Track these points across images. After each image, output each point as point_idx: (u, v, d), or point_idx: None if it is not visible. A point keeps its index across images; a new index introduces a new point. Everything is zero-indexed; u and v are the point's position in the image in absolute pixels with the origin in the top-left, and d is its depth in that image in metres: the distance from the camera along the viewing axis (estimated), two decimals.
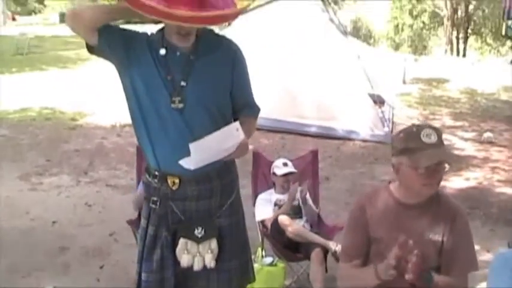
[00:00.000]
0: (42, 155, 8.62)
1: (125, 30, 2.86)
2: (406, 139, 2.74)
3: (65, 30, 33.54)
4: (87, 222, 6.13)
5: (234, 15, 2.82)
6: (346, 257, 2.91)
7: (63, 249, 5.41)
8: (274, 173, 5.08)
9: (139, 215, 4.28)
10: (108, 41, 2.78)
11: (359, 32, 31.28)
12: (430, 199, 2.76)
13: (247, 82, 3.03)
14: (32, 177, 7.60)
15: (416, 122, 11.97)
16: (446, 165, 2.75)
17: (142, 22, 2.81)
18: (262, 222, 4.90)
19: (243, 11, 2.75)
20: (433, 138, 2.66)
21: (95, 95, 12.88)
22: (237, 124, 2.69)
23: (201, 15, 2.55)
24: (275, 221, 4.70)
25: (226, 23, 10.17)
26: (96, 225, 6.03)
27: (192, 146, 2.62)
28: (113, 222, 5.94)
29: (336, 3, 31.14)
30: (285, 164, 5.08)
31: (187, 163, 2.68)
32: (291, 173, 5.04)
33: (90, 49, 2.84)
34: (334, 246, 4.42)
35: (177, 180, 2.87)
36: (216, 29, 2.95)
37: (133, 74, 2.82)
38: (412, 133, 2.73)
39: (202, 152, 2.66)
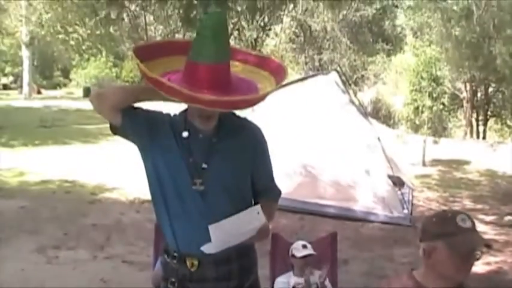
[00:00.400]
0: (60, 228, 8.62)
1: (148, 111, 2.91)
2: (441, 223, 2.68)
3: (88, 105, 34.20)
4: None
5: (257, 101, 2.84)
6: None
7: None
8: (293, 255, 5.02)
9: None
10: (132, 122, 2.82)
11: (379, 113, 31.45)
12: (458, 287, 2.68)
13: (268, 165, 3.04)
14: (48, 251, 7.57)
15: (436, 205, 11.91)
16: (479, 252, 2.68)
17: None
18: None
19: (263, 97, 2.78)
20: (468, 224, 2.62)
21: (115, 170, 12.97)
22: (258, 207, 2.68)
23: (223, 100, 2.58)
24: None
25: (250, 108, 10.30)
26: None
27: (212, 228, 2.62)
28: None
29: (356, 84, 31.49)
30: (304, 246, 5.03)
31: (208, 248, 2.67)
32: (310, 255, 4.98)
33: (114, 129, 2.88)
34: None
35: (196, 262, 2.85)
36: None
37: (156, 156, 2.85)
38: (448, 218, 2.68)
39: (222, 235, 2.64)
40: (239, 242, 2.74)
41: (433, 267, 2.69)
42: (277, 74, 2.83)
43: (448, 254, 2.61)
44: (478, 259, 2.67)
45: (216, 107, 2.65)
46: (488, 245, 2.63)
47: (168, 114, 2.99)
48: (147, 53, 2.76)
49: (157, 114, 2.94)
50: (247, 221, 2.67)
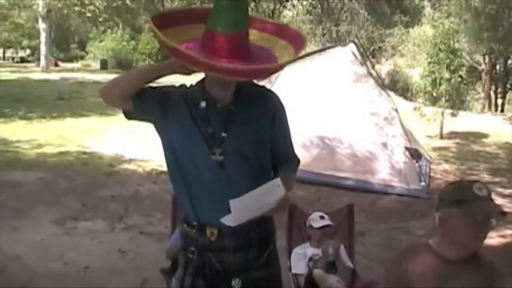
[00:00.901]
0: (78, 199, 8.67)
1: (158, 88, 2.90)
2: (457, 191, 2.70)
3: (105, 77, 34.24)
4: (120, 269, 6.11)
5: (276, 70, 2.82)
6: None
7: None
8: (310, 226, 5.03)
9: (172, 263, 4.25)
10: (143, 104, 2.82)
11: (396, 86, 31.30)
12: (472, 255, 2.70)
13: (287, 135, 3.02)
14: (66, 222, 7.62)
15: (454, 177, 11.86)
16: (494, 220, 2.67)
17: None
18: (296, 276, 4.84)
19: (282, 66, 2.76)
20: (485, 192, 2.63)
21: (133, 142, 13.01)
22: (278, 180, 2.65)
23: (241, 68, 2.56)
24: (309, 276, 4.64)
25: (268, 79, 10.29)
26: (129, 273, 6.00)
27: (232, 203, 2.60)
28: (145, 270, 5.91)
29: (373, 56, 31.30)
30: (322, 217, 5.03)
31: (228, 220, 2.66)
32: (328, 226, 4.99)
33: (127, 115, 2.89)
34: None
35: (216, 231, 2.86)
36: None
37: (172, 131, 2.86)
38: (464, 185, 2.70)
39: (242, 209, 2.62)
40: (258, 215, 2.73)
41: (448, 235, 2.71)
42: (296, 43, 2.80)
43: (463, 221, 2.62)
44: (493, 228, 2.68)
45: (234, 76, 2.62)
46: (504, 213, 2.61)
47: (182, 86, 2.98)
48: (164, 21, 2.73)
49: (169, 89, 2.93)
50: (268, 195, 2.64)
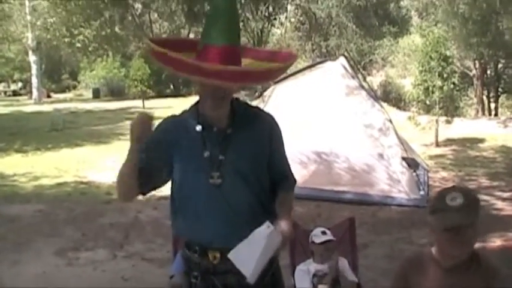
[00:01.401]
0: (78, 229, 8.64)
1: (153, 145, 2.88)
2: (434, 200, 2.78)
3: (98, 106, 34.15)
4: None
5: (263, 76, 2.84)
6: None
7: None
8: (313, 242, 5.01)
9: None
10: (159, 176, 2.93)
11: (389, 96, 31.37)
12: (468, 261, 2.72)
13: (283, 154, 3.05)
14: (68, 253, 7.60)
15: (452, 184, 11.85)
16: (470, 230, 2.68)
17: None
18: None
19: (272, 73, 2.79)
20: (458, 201, 2.65)
21: None
22: (266, 223, 2.69)
23: (231, 70, 2.58)
24: None
25: (256, 92, 10.32)
26: None
27: (231, 256, 2.68)
28: None
29: (364, 69, 31.40)
30: (324, 233, 5.01)
31: (248, 278, 2.70)
32: (329, 241, 4.96)
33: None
34: None
35: (218, 255, 2.86)
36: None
37: (175, 161, 2.90)
38: (441, 194, 2.75)
39: (244, 259, 2.67)
40: (268, 259, 2.73)
41: (435, 243, 2.81)
42: (288, 60, 2.83)
43: (437, 230, 2.71)
44: (469, 237, 2.70)
45: (222, 79, 2.63)
46: (455, 228, 2.63)
47: (169, 121, 3.01)
48: (160, 44, 2.76)
49: (160, 133, 2.92)
50: (263, 238, 2.67)
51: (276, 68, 2.81)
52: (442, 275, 2.74)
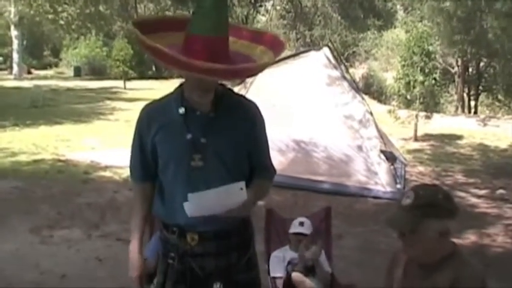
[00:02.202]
0: (54, 207, 8.60)
1: (140, 147, 3.00)
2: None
3: (79, 84, 33.87)
4: (97, 277, 6.07)
5: (254, 71, 2.85)
6: None
7: None
8: (289, 230, 5.06)
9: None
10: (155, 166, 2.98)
11: (370, 89, 31.47)
12: (443, 259, 2.64)
13: (265, 144, 3.05)
14: (43, 230, 7.56)
15: (429, 179, 11.96)
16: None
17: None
18: (274, 279, 4.85)
19: (261, 67, 2.79)
20: (408, 201, 2.62)
21: (108, 149, 12.95)
22: (242, 184, 2.70)
23: (219, 68, 2.58)
24: (288, 279, 4.65)
25: (240, 80, 10.31)
26: (106, 280, 5.96)
27: (191, 197, 2.67)
28: (123, 277, 5.82)
29: (347, 60, 31.45)
30: (301, 224, 5.05)
31: (186, 210, 2.70)
32: (301, 234, 4.99)
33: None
34: None
35: (196, 237, 2.88)
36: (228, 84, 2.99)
37: (159, 144, 2.91)
38: (404, 192, 2.74)
39: (200, 204, 2.69)
40: (216, 213, 2.74)
41: None
42: (275, 47, 2.83)
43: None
44: (401, 238, 2.69)
45: (214, 76, 2.66)
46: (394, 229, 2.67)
47: (152, 103, 3.04)
48: (146, 26, 2.75)
49: (140, 126, 2.99)
50: (229, 196, 2.71)
51: (265, 63, 2.80)
52: (418, 271, 2.70)
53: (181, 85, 2.91)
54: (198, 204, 2.69)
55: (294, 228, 5.02)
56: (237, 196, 2.70)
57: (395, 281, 2.80)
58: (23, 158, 12.25)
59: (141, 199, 3.08)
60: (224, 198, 2.70)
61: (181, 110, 2.85)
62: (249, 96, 3.14)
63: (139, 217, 3.06)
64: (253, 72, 2.87)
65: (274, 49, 2.82)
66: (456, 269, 2.60)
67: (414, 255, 2.69)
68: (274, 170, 3.11)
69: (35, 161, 11.95)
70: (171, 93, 2.97)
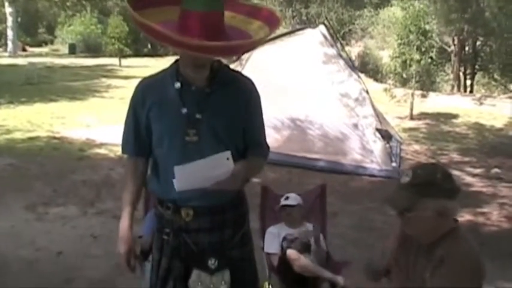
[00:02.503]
0: (49, 185, 8.60)
1: (135, 125, 2.98)
2: None
3: (74, 62, 33.73)
4: (93, 254, 6.08)
5: (248, 47, 2.83)
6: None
7: (68, 281, 5.36)
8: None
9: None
10: (148, 142, 2.98)
11: (366, 67, 31.38)
12: (440, 237, 2.62)
13: (260, 121, 3.04)
14: (38, 208, 7.56)
15: (424, 158, 11.98)
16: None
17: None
18: (269, 256, 4.86)
19: (256, 43, 2.77)
20: (406, 180, 2.62)
21: (103, 126, 12.93)
22: (228, 153, 2.68)
23: (212, 45, 2.55)
24: (283, 255, 4.66)
25: (234, 57, 10.27)
26: (102, 257, 5.96)
27: (177, 169, 2.66)
28: (118, 254, 5.88)
29: (343, 38, 31.33)
30: (287, 198, 5.06)
31: (175, 185, 2.71)
32: (288, 206, 5.00)
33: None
34: (342, 281, 4.37)
35: (191, 212, 2.88)
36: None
37: (152, 119, 2.89)
38: (405, 171, 2.71)
39: (187, 177, 2.68)
40: (205, 186, 2.72)
41: None
42: (271, 22, 2.79)
43: None
44: (400, 217, 2.68)
45: (205, 53, 2.62)
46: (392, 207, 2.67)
47: (147, 78, 3.02)
48: (140, 2, 2.71)
49: (135, 101, 2.97)
50: (215, 167, 2.69)
51: (260, 39, 2.77)
52: (418, 247, 2.69)
53: (176, 61, 2.89)
54: (184, 176, 2.68)
55: (281, 203, 5.04)
56: (223, 166, 2.68)
57: (391, 252, 2.80)
58: (17, 135, 12.24)
59: (133, 174, 3.06)
60: (210, 168, 2.68)
61: (177, 85, 2.83)
62: (244, 73, 3.11)
63: (131, 192, 3.04)
64: (248, 48, 2.85)
65: (270, 25, 2.78)
66: (451, 244, 2.59)
67: (413, 233, 2.68)
68: (268, 148, 3.10)
69: (30, 139, 11.93)
70: (167, 69, 2.95)
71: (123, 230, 2.97)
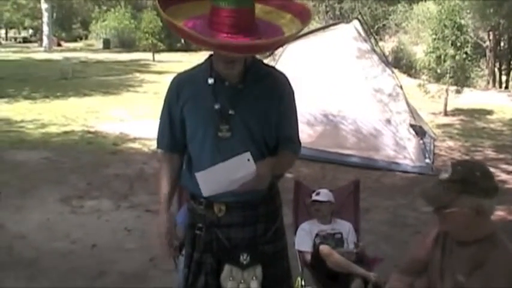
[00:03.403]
0: (84, 178, 8.69)
1: (170, 120, 3.00)
2: None
3: (108, 56, 33.97)
4: (127, 247, 6.13)
5: (277, 44, 2.80)
6: (402, 269, 2.81)
7: (102, 274, 5.40)
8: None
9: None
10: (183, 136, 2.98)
11: (400, 63, 31.17)
12: (478, 240, 2.57)
13: (293, 116, 3.01)
14: (72, 201, 7.64)
15: (458, 154, 11.85)
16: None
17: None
18: (301, 252, 4.85)
19: (284, 41, 2.75)
20: (445, 176, 2.58)
21: (137, 120, 13.02)
22: (248, 154, 2.67)
23: (236, 44, 2.55)
24: (316, 251, 4.64)
25: (270, 52, 10.26)
26: (136, 250, 6.02)
27: (199, 175, 2.68)
28: (152, 248, 5.92)
29: (377, 33, 31.14)
30: (317, 193, 5.03)
31: (202, 190, 2.73)
32: (318, 202, 4.97)
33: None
34: (375, 277, 4.34)
35: (223, 207, 2.88)
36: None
37: (185, 114, 2.90)
38: (445, 166, 2.67)
39: (211, 181, 2.68)
40: (232, 188, 2.72)
41: None
42: (302, 15, 2.76)
43: None
44: (435, 213, 2.64)
45: (231, 51, 2.61)
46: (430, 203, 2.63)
47: (182, 73, 3.03)
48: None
49: (170, 96, 2.98)
50: (236, 168, 2.67)
51: (290, 36, 2.74)
52: (455, 247, 2.65)
53: (210, 56, 2.89)
54: (207, 181, 2.69)
55: (312, 198, 5.02)
56: (245, 168, 2.66)
57: (430, 253, 2.75)
58: (53, 129, 12.40)
59: (168, 168, 3.06)
60: (232, 171, 2.67)
61: (210, 80, 2.83)
62: (278, 68, 3.10)
63: (167, 187, 3.05)
64: (277, 45, 2.82)
65: (301, 18, 2.75)
66: (490, 248, 2.53)
67: (447, 230, 2.65)
68: (300, 145, 3.07)
69: (65, 132, 12.08)
70: (201, 64, 2.95)
71: (162, 222, 2.99)
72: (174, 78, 2.99)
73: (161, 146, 3.08)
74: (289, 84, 2.97)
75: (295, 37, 2.76)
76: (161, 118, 3.03)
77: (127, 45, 42.94)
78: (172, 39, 38.88)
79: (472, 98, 19.40)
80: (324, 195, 5.02)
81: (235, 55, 2.71)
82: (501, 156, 12.16)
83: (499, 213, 7.86)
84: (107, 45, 43.81)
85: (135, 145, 11.19)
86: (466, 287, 2.51)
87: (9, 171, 8.85)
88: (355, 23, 11.47)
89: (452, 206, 2.54)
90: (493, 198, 2.57)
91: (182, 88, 2.91)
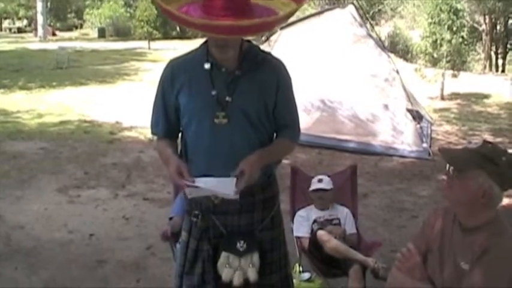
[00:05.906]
0: (81, 168, 8.69)
1: (164, 107, 2.95)
2: None
3: (103, 45, 33.90)
4: (125, 236, 6.13)
5: (271, 24, 2.76)
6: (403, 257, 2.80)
7: (100, 263, 5.40)
8: (310, 188, 5.03)
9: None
10: (176, 120, 2.95)
11: (396, 48, 31.10)
12: (480, 225, 2.55)
13: (291, 102, 2.98)
14: (70, 190, 7.64)
15: (455, 138, 11.85)
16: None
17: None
18: (299, 238, 4.85)
19: (281, 19, 2.71)
20: (473, 146, 2.59)
21: (133, 109, 13.00)
22: (234, 180, 2.68)
23: (227, 24, 2.52)
24: (313, 236, 4.64)
25: (262, 37, 10.22)
26: (134, 239, 6.03)
27: (187, 191, 2.77)
28: (150, 236, 5.94)
29: (373, 18, 31.06)
30: (320, 180, 5.01)
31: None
32: (322, 190, 4.96)
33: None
34: (373, 263, 4.34)
35: None
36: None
37: (181, 100, 2.87)
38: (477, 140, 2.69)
39: (195, 190, 2.75)
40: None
41: None
42: None
43: None
44: (446, 175, 2.63)
45: (210, 31, 2.59)
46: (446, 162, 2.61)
47: (177, 58, 3.00)
48: None
49: (164, 81, 2.93)
50: (221, 187, 2.71)
51: (281, 17, 2.69)
52: (456, 232, 2.63)
53: (206, 41, 2.86)
54: (192, 187, 2.73)
55: (313, 185, 5.00)
56: (228, 190, 2.69)
57: (434, 234, 2.73)
58: (49, 119, 12.39)
59: (167, 141, 2.99)
60: (217, 188, 2.72)
61: (207, 65, 2.80)
62: (273, 53, 3.08)
63: (171, 148, 2.95)
64: (274, 24, 2.78)
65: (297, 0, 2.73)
66: (493, 236, 2.51)
67: (450, 199, 2.63)
68: (299, 131, 3.05)
69: (61, 122, 12.07)
70: (196, 49, 2.92)
71: (171, 159, 2.87)
72: (169, 63, 2.95)
73: (155, 132, 3.02)
74: (286, 71, 2.95)
75: (290, 21, 2.72)
76: (155, 103, 2.97)
77: (122, 33, 42.80)
78: (167, 27, 38.77)
79: (468, 82, 19.36)
80: (326, 183, 5.01)
81: (222, 37, 2.65)
82: (498, 139, 12.15)
83: (505, 199, 7.87)
84: (102, 34, 43.67)
85: (132, 134, 11.18)
86: (470, 274, 2.49)
87: (6, 162, 8.85)
88: (351, 8, 11.44)
89: (465, 174, 2.53)
90: (504, 190, 2.56)
91: (177, 73, 2.87)
